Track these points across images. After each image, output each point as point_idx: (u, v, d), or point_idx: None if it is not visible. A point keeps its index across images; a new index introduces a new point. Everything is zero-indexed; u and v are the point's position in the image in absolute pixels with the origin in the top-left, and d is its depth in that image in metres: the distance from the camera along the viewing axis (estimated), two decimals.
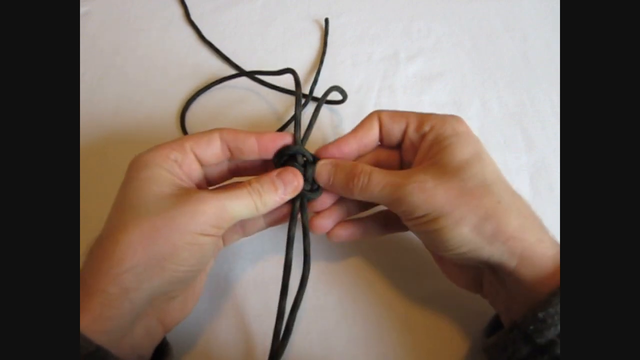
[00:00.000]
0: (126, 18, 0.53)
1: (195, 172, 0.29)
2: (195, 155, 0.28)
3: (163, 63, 0.49)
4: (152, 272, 0.24)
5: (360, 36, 0.52)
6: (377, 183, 0.28)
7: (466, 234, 0.25)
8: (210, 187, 0.31)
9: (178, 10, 0.54)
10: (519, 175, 0.41)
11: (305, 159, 0.30)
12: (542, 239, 0.26)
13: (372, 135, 0.30)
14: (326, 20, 0.52)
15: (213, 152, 0.29)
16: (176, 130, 0.44)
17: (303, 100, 0.38)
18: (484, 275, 0.29)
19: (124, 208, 0.25)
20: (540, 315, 0.23)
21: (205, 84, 0.47)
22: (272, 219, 0.32)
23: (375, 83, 0.48)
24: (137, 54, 0.50)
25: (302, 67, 0.49)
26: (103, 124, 0.44)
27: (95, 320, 0.22)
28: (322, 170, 0.30)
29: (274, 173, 0.28)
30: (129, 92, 0.47)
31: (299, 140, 0.31)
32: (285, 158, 0.30)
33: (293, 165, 0.30)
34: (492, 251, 0.25)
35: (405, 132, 0.30)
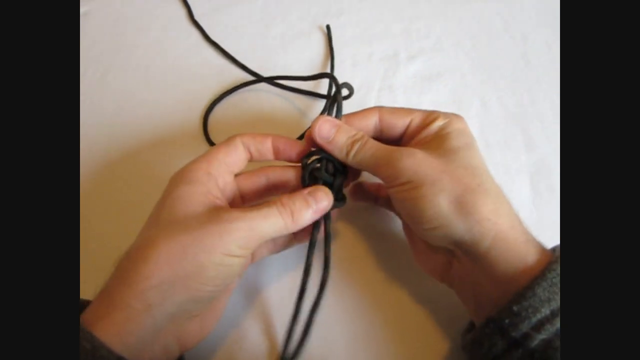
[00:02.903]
0: (126, 18, 0.53)
1: (229, 185, 0.30)
2: (227, 166, 0.30)
3: (164, 63, 0.49)
4: (176, 290, 0.24)
5: (360, 36, 0.52)
6: (370, 147, 0.29)
7: (442, 207, 0.26)
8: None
9: (178, 10, 0.54)
10: (519, 175, 0.41)
11: (334, 167, 0.31)
12: (515, 226, 0.26)
13: (365, 126, 0.32)
14: (328, 27, 0.52)
15: (239, 157, 0.30)
16: (177, 130, 0.44)
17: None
18: (454, 261, 0.29)
19: (156, 224, 0.26)
20: (515, 308, 0.24)
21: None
22: (300, 237, 0.32)
23: (375, 83, 0.48)
24: (137, 54, 0.50)
25: (303, 67, 0.49)
26: (103, 124, 0.44)
27: (119, 334, 0.23)
28: (324, 125, 0.30)
29: (306, 191, 0.29)
30: (129, 92, 0.47)
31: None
32: (314, 164, 0.31)
33: (321, 173, 0.31)
34: (464, 229, 0.26)
35: (408, 126, 0.31)
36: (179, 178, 0.28)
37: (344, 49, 0.50)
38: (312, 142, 0.31)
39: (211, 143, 0.43)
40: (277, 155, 0.32)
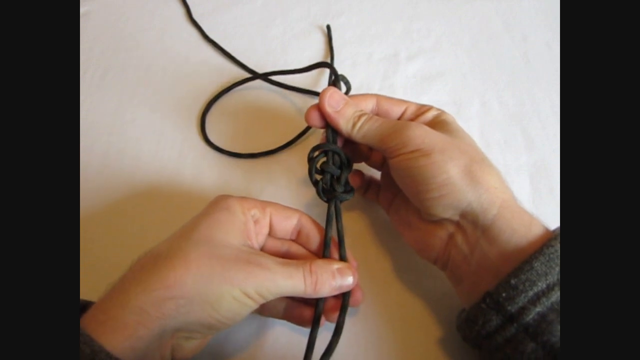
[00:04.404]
0: (126, 18, 0.53)
1: (262, 236, 0.30)
2: (270, 221, 0.30)
3: (164, 62, 0.49)
4: (191, 309, 0.24)
5: (360, 36, 0.52)
6: (376, 120, 0.31)
7: (453, 173, 0.27)
8: None
9: (178, 10, 0.54)
10: (519, 175, 0.41)
11: (340, 160, 0.32)
12: (515, 199, 0.28)
13: (364, 108, 0.32)
14: (328, 27, 0.52)
15: (286, 227, 0.31)
16: (178, 130, 0.44)
17: None
18: (456, 234, 0.29)
19: (189, 238, 0.26)
20: (513, 281, 0.24)
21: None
22: (294, 316, 0.31)
23: (375, 83, 0.48)
24: (137, 54, 0.50)
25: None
26: (103, 124, 0.44)
27: (129, 337, 0.23)
28: (335, 95, 0.31)
29: (335, 266, 0.29)
30: (129, 92, 0.47)
31: (334, 139, 0.32)
32: (321, 156, 0.32)
33: (329, 165, 0.31)
34: (474, 196, 0.27)
35: (403, 114, 0.33)
36: (224, 203, 0.28)
37: (344, 49, 0.50)
38: (317, 115, 0.32)
39: (209, 143, 0.43)
40: (299, 236, 0.31)
